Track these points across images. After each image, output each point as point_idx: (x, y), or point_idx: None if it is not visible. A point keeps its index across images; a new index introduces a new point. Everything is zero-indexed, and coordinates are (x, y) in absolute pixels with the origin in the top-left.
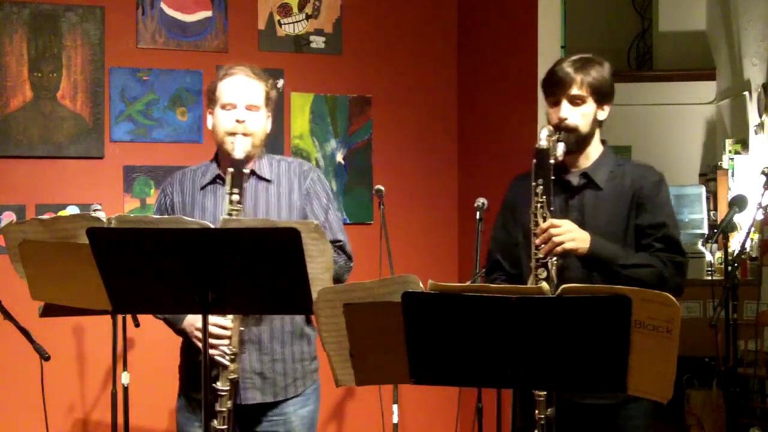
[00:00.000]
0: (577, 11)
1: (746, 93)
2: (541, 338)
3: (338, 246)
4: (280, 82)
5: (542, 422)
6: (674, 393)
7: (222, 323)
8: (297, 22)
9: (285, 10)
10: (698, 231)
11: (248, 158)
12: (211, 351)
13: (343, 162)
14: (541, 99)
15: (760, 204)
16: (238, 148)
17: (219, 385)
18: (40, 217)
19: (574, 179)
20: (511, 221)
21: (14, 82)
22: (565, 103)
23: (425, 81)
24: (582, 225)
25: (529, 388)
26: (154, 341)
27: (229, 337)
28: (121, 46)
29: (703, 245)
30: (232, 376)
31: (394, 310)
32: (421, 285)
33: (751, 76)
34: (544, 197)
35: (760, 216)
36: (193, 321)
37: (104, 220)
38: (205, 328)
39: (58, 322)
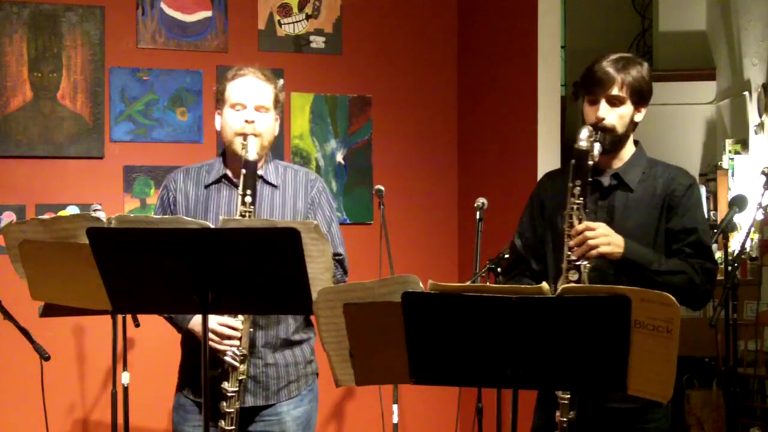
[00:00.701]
0: (577, 11)
1: (746, 93)
2: (541, 338)
3: (338, 260)
4: (280, 82)
5: (564, 425)
6: (674, 393)
7: (232, 324)
8: (297, 22)
9: (285, 10)
10: None
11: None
12: (222, 351)
13: (343, 162)
14: (541, 99)
15: (760, 204)
16: (252, 150)
17: (228, 386)
18: (40, 217)
19: (605, 180)
20: (539, 218)
21: (14, 82)
22: (603, 103)
23: (425, 81)
24: (610, 226)
25: (529, 388)
26: (154, 341)
27: (239, 338)
28: (121, 46)
29: None
30: (242, 377)
31: (394, 310)
32: (421, 285)
33: (751, 76)
34: (582, 199)
35: (760, 216)
36: (200, 322)
37: (104, 220)
38: (204, 328)
39: (58, 322)
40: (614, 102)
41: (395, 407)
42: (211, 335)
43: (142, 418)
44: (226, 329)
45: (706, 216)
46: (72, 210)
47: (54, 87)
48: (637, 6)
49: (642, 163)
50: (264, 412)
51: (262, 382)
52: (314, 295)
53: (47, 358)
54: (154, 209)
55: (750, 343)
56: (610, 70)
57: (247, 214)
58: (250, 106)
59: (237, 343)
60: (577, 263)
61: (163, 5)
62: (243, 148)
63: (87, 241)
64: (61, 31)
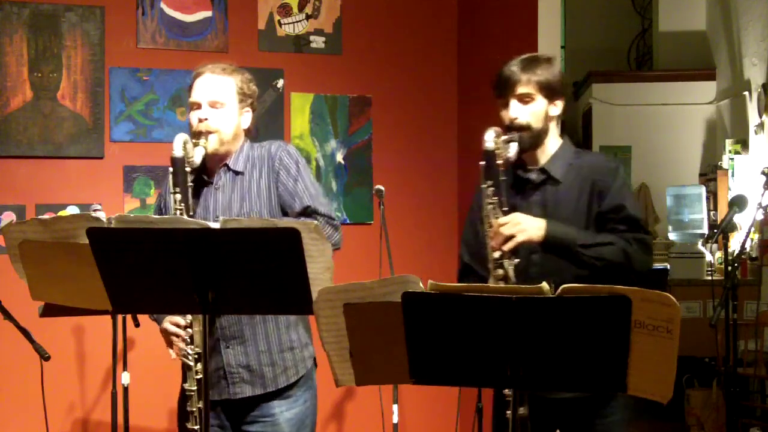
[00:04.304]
0: (577, 11)
1: (746, 93)
2: (541, 338)
3: (314, 214)
4: (280, 82)
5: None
6: (674, 393)
7: (178, 321)
8: (297, 22)
9: (285, 10)
10: (698, 231)
11: (223, 155)
12: (174, 350)
13: (343, 162)
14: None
15: (760, 204)
16: (177, 148)
17: (186, 385)
18: (40, 217)
19: (533, 175)
20: (479, 223)
21: (14, 82)
22: (514, 102)
23: (425, 81)
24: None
25: (529, 388)
26: (154, 341)
27: (191, 337)
28: (121, 46)
29: (703, 245)
30: (199, 376)
31: (394, 310)
32: (421, 285)
33: (751, 76)
34: (496, 198)
35: (760, 216)
36: (166, 319)
37: (104, 220)
38: (205, 329)
39: (58, 322)
40: (524, 100)
41: (395, 407)
42: (167, 335)
43: (142, 418)
44: (173, 327)
45: (633, 194)
46: (72, 210)
47: (54, 87)
48: (637, 6)
49: (568, 155)
50: (258, 411)
51: (256, 370)
52: (314, 295)
53: (47, 358)
54: (152, 211)
55: (750, 343)
56: (515, 69)
57: (179, 211)
58: (204, 104)
59: (188, 341)
60: (501, 261)
61: (163, 5)
62: (195, 146)
63: (87, 241)
64: (61, 31)
